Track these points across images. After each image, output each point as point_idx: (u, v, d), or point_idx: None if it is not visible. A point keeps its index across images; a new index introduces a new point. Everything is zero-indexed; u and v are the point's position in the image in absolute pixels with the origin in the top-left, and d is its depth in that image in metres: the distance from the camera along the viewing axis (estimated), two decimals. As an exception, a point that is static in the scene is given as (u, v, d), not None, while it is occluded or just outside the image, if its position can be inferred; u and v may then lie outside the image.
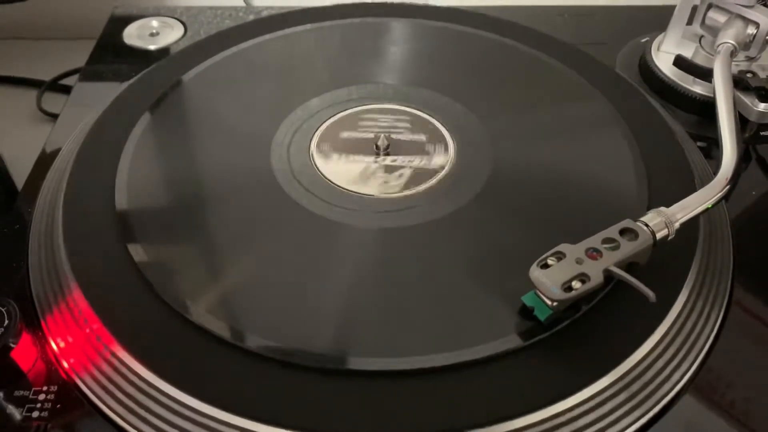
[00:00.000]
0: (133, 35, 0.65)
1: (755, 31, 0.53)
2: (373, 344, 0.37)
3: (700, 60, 0.56)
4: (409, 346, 0.37)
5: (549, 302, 0.36)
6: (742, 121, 0.52)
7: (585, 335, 0.38)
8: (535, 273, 0.36)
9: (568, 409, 0.35)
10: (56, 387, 0.38)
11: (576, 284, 0.36)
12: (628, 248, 0.37)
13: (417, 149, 0.49)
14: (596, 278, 0.36)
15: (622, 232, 0.38)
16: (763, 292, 0.43)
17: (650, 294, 0.35)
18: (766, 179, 0.51)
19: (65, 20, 0.80)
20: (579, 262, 0.36)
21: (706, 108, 0.53)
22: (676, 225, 0.39)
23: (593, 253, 0.37)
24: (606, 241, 0.37)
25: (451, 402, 0.35)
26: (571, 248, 0.37)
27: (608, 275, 0.36)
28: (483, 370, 0.36)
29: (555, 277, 0.36)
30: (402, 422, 0.34)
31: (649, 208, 0.40)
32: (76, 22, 0.78)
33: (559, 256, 0.37)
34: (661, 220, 0.38)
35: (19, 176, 0.53)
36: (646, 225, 0.38)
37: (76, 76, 0.63)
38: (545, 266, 0.36)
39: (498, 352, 0.36)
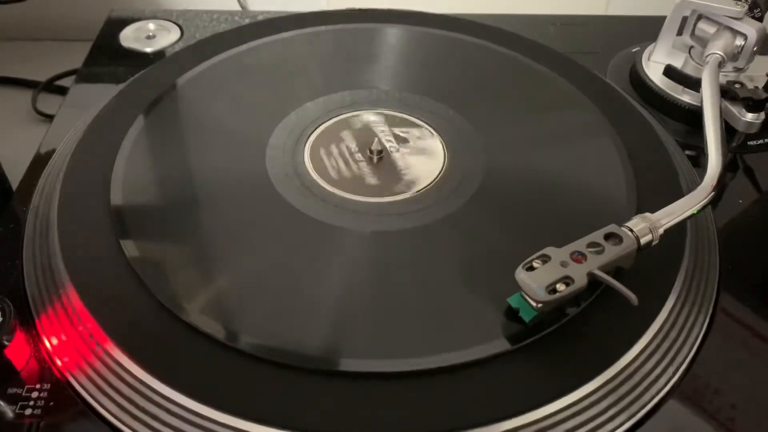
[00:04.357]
0: (129, 38, 0.66)
1: (743, 43, 0.53)
2: (365, 346, 0.38)
3: (690, 70, 0.57)
4: (400, 348, 0.37)
5: (534, 304, 0.36)
6: (730, 131, 0.52)
7: (573, 339, 0.38)
8: (521, 275, 0.37)
9: (556, 412, 0.36)
10: (49, 385, 0.38)
11: (560, 287, 0.36)
12: (612, 252, 0.38)
13: (410, 154, 0.50)
14: (580, 281, 0.36)
15: (607, 236, 0.38)
16: (749, 299, 0.44)
17: (632, 297, 0.35)
18: (753, 188, 0.52)
19: (62, 22, 0.80)
20: (564, 265, 0.37)
21: (695, 117, 0.54)
22: (660, 230, 0.39)
23: (578, 257, 0.37)
24: (591, 245, 0.38)
25: (439, 404, 0.35)
26: (557, 251, 0.37)
27: (592, 278, 0.37)
28: (472, 372, 0.36)
29: (540, 280, 0.36)
30: (392, 424, 0.35)
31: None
32: (72, 24, 0.78)
33: (545, 259, 0.37)
34: (646, 226, 0.39)
35: (13, 176, 0.53)
36: (631, 230, 0.39)
37: (71, 78, 0.63)
38: (531, 269, 0.37)
39: (487, 355, 0.37)
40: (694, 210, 0.41)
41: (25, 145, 0.55)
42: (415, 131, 0.52)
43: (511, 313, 0.38)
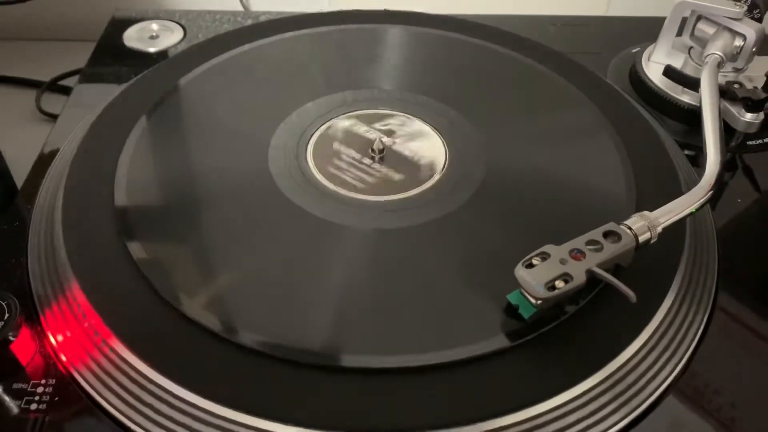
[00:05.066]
0: (133, 38, 0.66)
1: (742, 43, 0.54)
2: (365, 342, 0.38)
3: (689, 70, 0.57)
4: (399, 344, 0.38)
5: (533, 300, 0.37)
6: (729, 131, 0.53)
7: (572, 336, 0.38)
8: (520, 272, 0.37)
9: (555, 408, 0.36)
10: (54, 380, 0.38)
11: (559, 283, 0.36)
12: (610, 250, 0.38)
13: (412, 154, 0.50)
14: (579, 278, 0.36)
15: (606, 234, 0.39)
16: (747, 298, 0.44)
17: (631, 294, 0.36)
18: (752, 188, 0.52)
19: (66, 22, 0.80)
20: (563, 262, 0.37)
21: (694, 117, 0.54)
22: (659, 229, 0.39)
23: (577, 254, 0.37)
24: (590, 243, 0.38)
25: (439, 400, 0.36)
26: (556, 249, 0.38)
27: (591, 275, 0.37)
28: (472, 369, 0.37)
29: (539, 277, 0.36)
30: (390, 419, 0.35)
31: (636, 213, 0.41)
32: (76, 24, 0.79)
33: (544, 257, 0.37)
34: (644, 224, 0.39)
35: (18, 175, 0.54)
36: (629, 228, 0.39)
37: (75, 77, 0.64)
38: (530, 266, 0.37)
39: (486, 351, 0.37)
40: (692, 208, 0.41)
41: (30, 144, 0.56)
42: (416, 131, 0.52)
43: (511, 310, 0.39)
